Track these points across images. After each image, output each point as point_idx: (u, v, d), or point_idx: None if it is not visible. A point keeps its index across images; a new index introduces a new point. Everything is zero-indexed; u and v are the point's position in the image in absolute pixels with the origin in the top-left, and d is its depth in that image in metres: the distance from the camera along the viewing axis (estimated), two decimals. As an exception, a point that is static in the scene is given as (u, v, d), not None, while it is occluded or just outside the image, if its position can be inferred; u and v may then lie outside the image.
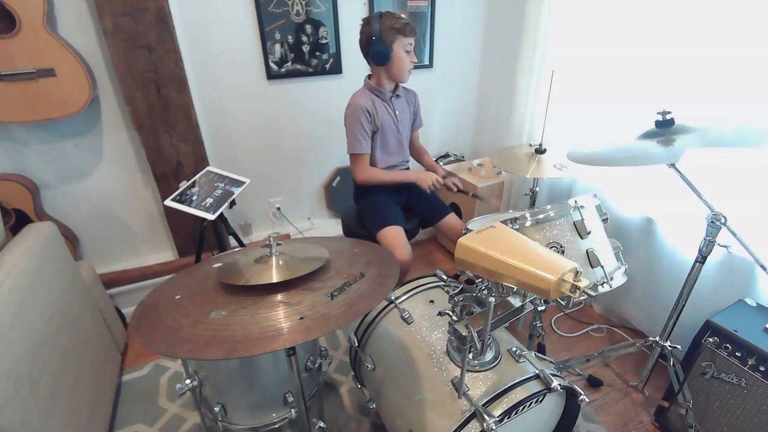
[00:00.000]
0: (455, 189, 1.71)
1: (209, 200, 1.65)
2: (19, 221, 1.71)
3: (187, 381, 1.12)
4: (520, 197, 2.33)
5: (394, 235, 1.59)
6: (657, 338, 1.42)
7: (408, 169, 1.82)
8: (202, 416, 1.25)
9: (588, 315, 2.04)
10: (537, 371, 0.99)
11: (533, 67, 2.07)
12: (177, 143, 1.90)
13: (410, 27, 1.52)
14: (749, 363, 1.16)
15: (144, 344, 0.78)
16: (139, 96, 1.76)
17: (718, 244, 1.17)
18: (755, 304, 1.31)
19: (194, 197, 1.64)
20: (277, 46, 2.03)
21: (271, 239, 1.00)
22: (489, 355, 1.04)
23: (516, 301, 0.99)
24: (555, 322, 1.98)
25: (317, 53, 2.12)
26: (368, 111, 1.58)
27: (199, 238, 1.76)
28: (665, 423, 1.44)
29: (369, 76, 1.65)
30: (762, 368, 1.14)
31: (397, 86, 1.68)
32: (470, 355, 1.01)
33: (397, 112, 1.68)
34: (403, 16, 1.53)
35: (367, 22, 1.54)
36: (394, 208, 1.71)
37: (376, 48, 1.53)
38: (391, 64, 1.56)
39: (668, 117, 1.20)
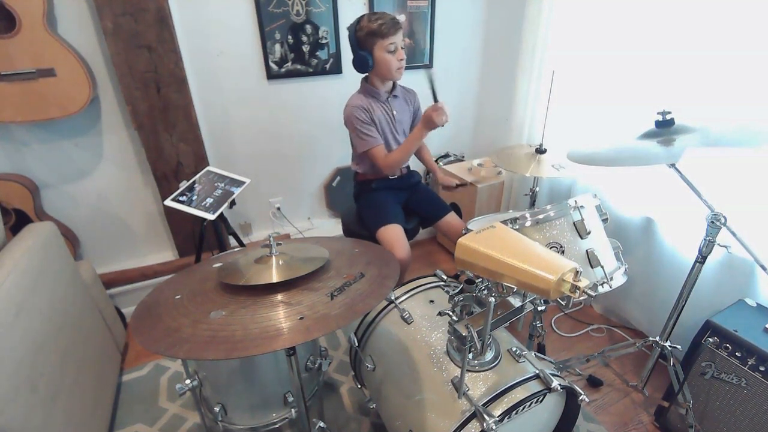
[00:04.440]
0: (455, 185, 1.83)
1: (209, 200, 1.65)
2: (19, 221, 1.71)
3: (187, 381, 1.12)
4: (520, 197, 2.33)
5: (393, 234, 1.58)
6: (657, 338, 1.42)
7: (408, 167, 1.82)
8: (202, 416, 1.25)
9: (588, 315, 2.04)
10: (537, 371, 0.99)
11: (533, 67, 2.07)
12: (177, 143, 1.90)
13: (388, 26, 1.45)
14: (749, 363, 1.16)
15: (144, 344, 0.78)
16: (139, 96, 1.76)
17: (718, 244, 1.17)
18: (755, 304, 1.31)
19: (194, 197, 1.64)
20: (277, 46, 2.03)
21: (271, 239, 1.00)
22: (489, 355, 1.04)
23: (516, 301, 0.99)
24: (555, 322, 1.98)
25: (317, 53, 2.12)
26: (364, 107, 1.57)
27: (199, 238, 1.76)
28: (665, 423, 1.44)
29: (365, 79, 1.65)
30: (762, 368, 1.14)
31: (394, 86, 1.68)
32: (470, 355, 1.01)
33: (394, 112, 1.67)
34: (384, 13, 1.47)
35: (348, 32, 1.52)
36: (394, 207, 1.71)
37: (354, 57, 1.52)
38: (376, 68, 1.54)
39: (668, 117, 1.20)
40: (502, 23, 2.39)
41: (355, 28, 1.49)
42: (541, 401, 1.00)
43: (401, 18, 2.17)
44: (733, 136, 1.12)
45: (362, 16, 1.49)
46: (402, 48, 1.53)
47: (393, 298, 1.28)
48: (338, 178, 2.48)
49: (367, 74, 1.64)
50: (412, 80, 1.69)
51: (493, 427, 0.86)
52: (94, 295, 1.62)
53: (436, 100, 1.46)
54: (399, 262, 1.49)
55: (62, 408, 1.18)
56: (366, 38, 1.48)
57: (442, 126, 1.47)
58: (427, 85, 1.46)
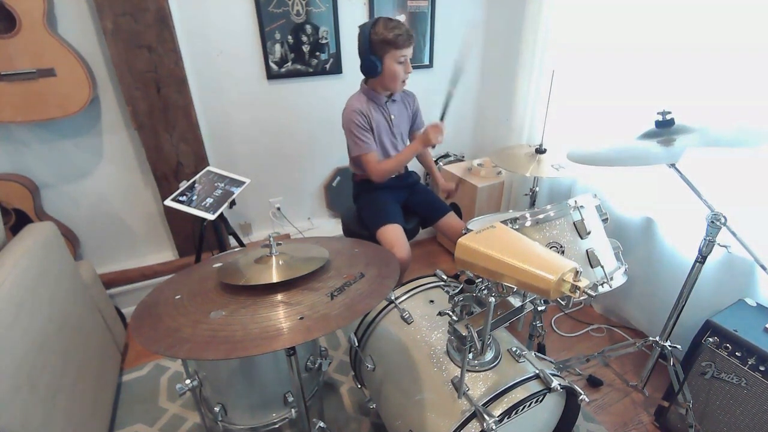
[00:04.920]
0: (455, 186, 1.85)
1: (209, 200, 1.65)
2: (19, 221, 1.71)
3: (187, 381, 1.12)
4: (520, 197, 2.33)
5: (393, 233, 1.58)
6: (657, 338, 1.42)
7: (406, 167, 1.82)
8: (202, 416, 1.25)
9: (588, 315, 2.04)
10: (537, 371, 0.99)
11: (533, 67, 2.07)
12: (177, 143, 1.90)
13: (404, 38, 1.45)
14: (749, 363, 1.16)
15: (144, 344, 0.78)
16: (139, 96, 1.76)
17: (718, 244, 1.17)
18: (755, 304, 1.31)
19: (194, 197, 1.64)
20: (277, 46, 2.03)
21: (271, 239, 1.00)
22: (489, 355, 1.04)
23: (516, 301, 0.99)
24: (555, 322, 1.98)
25: (317, 53, 2.12)
26: (362, 112, 1.57)
27: (199, 238, 1.76)
28: (665, 423, 1.44)
29: (365, 80, 1.65)
30: (762, 368, 1.14)
31: None
32: (470, 355, 1.01)
33: (392, 116, 1.67)
34: (400, 23, 1.46)
35: (360, 31, 1.51)
36: (394, 206, 1.71)
37: (365, 61, 1.51)
38: (383, 76, 1.53)
39: (668, 117, 1.20)
40: (502, 23, 2.39)
41: (369, 32, 1.46)
42: (541, 401, 1.00)
43: (401, 18, 2.18)
44: (733, 136, 1.12)
45: (378, 20, 1.46)
46: (409, 61, 1.53)
47: (393, 298, 1.28)
48: (338, 178, 2.48)
49: (367, 78, 1.63)
50: (414, 80, 1.68)
51: (493, 427, 0.86)
52: (94, 295, 1.62)
53: (441, 118, 1.56)
54: (399, 261, 1.49)
55: (62, 408, 1.18)
56: (380, 44, 1.46)
57: (435, 146, 1.59)
58: (444, 99, 1.57)
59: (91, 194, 1.95)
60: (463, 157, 2.75)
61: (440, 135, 1.54)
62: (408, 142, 1.82)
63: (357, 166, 1.72)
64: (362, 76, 1.66)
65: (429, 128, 1.55)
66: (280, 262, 0.95)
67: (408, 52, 1.50)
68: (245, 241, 2.32)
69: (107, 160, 1.93)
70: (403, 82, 1.57)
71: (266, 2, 1.92)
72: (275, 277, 0.89)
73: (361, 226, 1.76)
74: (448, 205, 1.81)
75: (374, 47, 1.48)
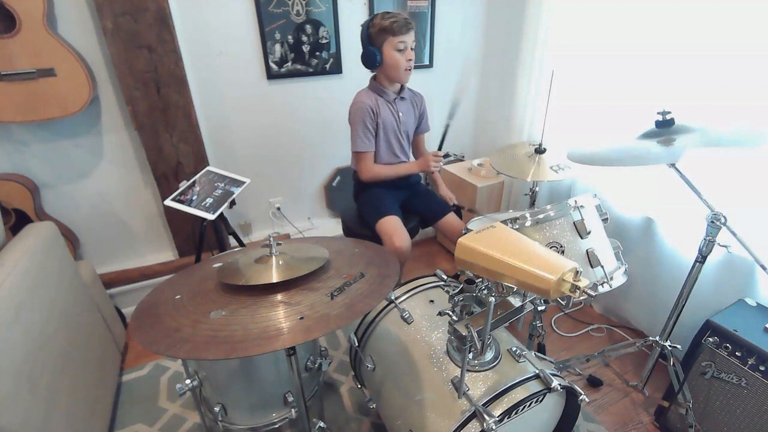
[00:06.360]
0: (452, 203, 1.86)
1: (209, 200, 1.65)
2: (19, 221, 1.70)
3: (187, 381, 1.12)
4: (520, 197, 2.33)
5: (391, 224, 1.59)
6: (657, 338, 1.42)
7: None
8: (202, 416, 1.25)
9: (588, 315, 2.04)
10: (537, 371, 0.99)
11: (533, 67, 2.08)
12: (177, 143, 1.90)
13: (400, 24, 1.47)
14: (749, 363, 1.16)
15: (144, 344, 0.78)
16: (139, 96, 1.76)
17: (718, 244, 1.17)
18: (755, 304, 1.31)
19: (194, 197, 1.64)
20: (277, 46, 2.03)
21: (271, 239, 1.00)
22: (489, 355, 1.04)
23: (516, 301, 0.99)
24: (555, 322, 1.98)
25: (317, 53, 2.12)
26: (371, 110, 1.59)
27: (199, 238, 1.76)
28: (665, 423, 1.44)
29: (374, 77, 1.66)
30: (762, 368, 1.14)
31: (402, 88, 1.68)
32: (470, 355, 1.01)
33: (400, 114, 1.68)
34: (398, 12, 1.50)
35: (362, 27, 1.54)
36: (393, 202, 1.73)
37: (364, 52, 1.54)
38: (384, 65, 1.55)
39: (668, 117, 1.20)
40: (502, 23, 2.39)
41: (368, 25, 1.51)
42: (541, 401, 1.00)
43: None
44: (733, 136, 1.12)
45: (376, 14, 1.51)
46: (412, 49, 1.54)
47: (393, 297, 1.28)
48: (338, 178, 2.48)
49: (375, 74, 1.65)
50: (413, 80, 1.68)
51: (493, 427, 0.86)
52: (94, 295, 1.62)
53: (439, 148, 1.65)
54: (398, 251, 1.51)
55: (62, 408, 1.18)
56: (377, 35, 1.50)
57: (432, 172, 1.74)
58: (441, 131, 1.64)
59: (91, 194, 1.95)
60: (463, 157, 2.75)
61: (439, 164, 1.65)
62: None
63: None
64: (366, 75, 1.67)
65: (431, 156, 1.64)
66: (280, 262, 0.95)
67: (406, 38, 1.50)
68: (245, 241, 2.32)
69: (107, 160, 1.93)
70: (407, 70, 1.57)
71: (266, 2, 1.92)
72: (275, 277, 0.89)
73: (361, 225, 1.76)
74: (452, 206, 1.82)
75: (372, 38, 1.51)
